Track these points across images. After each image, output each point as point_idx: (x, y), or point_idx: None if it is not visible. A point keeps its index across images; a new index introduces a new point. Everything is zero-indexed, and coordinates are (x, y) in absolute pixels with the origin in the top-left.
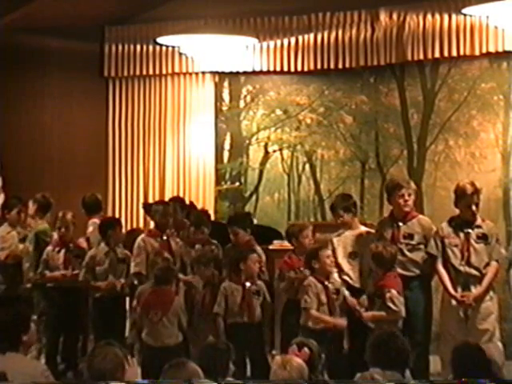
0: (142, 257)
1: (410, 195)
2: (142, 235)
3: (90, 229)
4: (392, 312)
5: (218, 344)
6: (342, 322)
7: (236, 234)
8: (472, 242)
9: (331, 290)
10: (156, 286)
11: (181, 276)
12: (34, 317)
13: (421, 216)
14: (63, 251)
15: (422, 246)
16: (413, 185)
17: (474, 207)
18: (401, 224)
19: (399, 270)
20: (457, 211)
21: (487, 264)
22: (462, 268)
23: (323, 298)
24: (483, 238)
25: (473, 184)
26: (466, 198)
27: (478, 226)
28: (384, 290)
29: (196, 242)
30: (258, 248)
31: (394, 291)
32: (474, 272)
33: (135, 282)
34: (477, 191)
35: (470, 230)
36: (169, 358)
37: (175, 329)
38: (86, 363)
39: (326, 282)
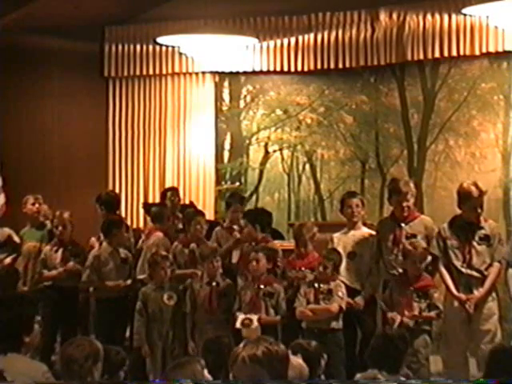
0: None
1: (409, 200)
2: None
3: None
4: (439, 312)
5: (220, 337)
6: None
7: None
8: (474, 243)
9: (323, 290)
10: None
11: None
12: (38, 318)
13: (423, 216)
14: (61, 250)
15: None
16: (413, 187)
17: (479, 209)
18: (403, 225)
19: (401, 271)
20: (457, 211)
21: (489, 265)
22: (463, 270)
23: (311, 297)
24: (485, 239)
25: (477, 186)
26: (471, 200)
27: (481, 227)
28: (431, 290)
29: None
30: (273, 245)
31: (438, 291)
32: (475, 274)
33: None
34: (482, 193)
35: (472, 232)
36: None
37: None
38: (59, 353)
39: (317, 284)
